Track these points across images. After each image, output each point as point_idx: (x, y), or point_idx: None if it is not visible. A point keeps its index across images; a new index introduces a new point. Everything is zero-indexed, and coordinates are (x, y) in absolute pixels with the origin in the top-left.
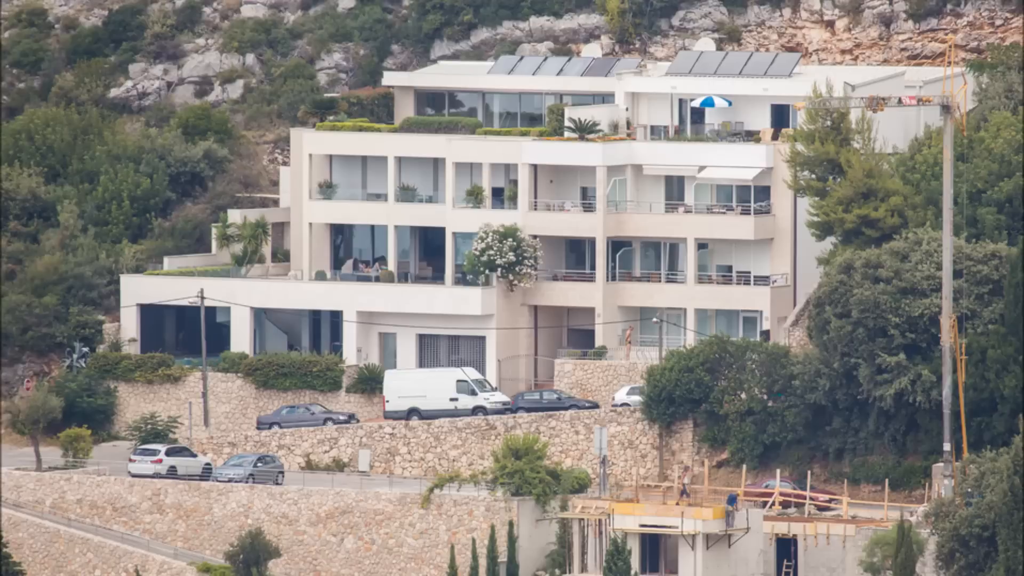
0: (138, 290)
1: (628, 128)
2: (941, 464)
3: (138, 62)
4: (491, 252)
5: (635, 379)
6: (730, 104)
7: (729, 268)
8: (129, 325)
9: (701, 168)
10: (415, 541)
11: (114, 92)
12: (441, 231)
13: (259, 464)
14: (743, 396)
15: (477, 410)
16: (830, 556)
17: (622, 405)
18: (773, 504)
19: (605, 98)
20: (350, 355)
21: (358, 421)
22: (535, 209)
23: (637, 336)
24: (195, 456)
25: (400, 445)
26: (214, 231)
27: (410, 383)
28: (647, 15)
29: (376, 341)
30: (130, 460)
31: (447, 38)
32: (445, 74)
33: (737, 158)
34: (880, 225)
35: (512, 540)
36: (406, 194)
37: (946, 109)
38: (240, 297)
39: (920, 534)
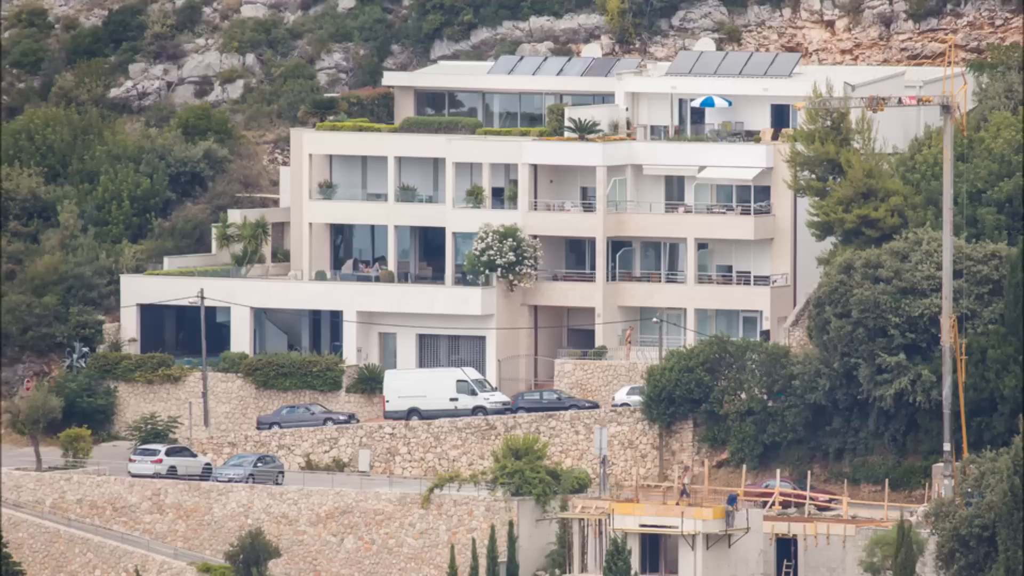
0: (138, 290)
1: (628, 128)
2: (941, 464)
3: (138, 62)
4: (491, 252)
5: (635, 379)
6: (730, 104)
7: (729, 268)
8: (129, 325)
9: (701, 168)
10: (415, 541)
11: (114, 92)
12: (441, 231)
13: (259, 464)
14: (743, 396)
15: (477, 410)
16: (830, 556)
17: (622, 405)
18: (773, 504)
19: (605, 98)
20: (350, 355)
21: (358, 421)
22: (535, 209)
23: (637, 336)
24: (195, 456)
25: (400, 445)
26: (214, 231)
27: (410, 383)
28: (647, 15)
29: (376, 341)
30: (130, 460)
31: (447, 38)
32: (445, 74)
33: (737, 158)
34: (880, 225)
35: (512, 540)
36: (406, 194)
37: (946, 109)
38: (240, 297)
39: (920, 534)
